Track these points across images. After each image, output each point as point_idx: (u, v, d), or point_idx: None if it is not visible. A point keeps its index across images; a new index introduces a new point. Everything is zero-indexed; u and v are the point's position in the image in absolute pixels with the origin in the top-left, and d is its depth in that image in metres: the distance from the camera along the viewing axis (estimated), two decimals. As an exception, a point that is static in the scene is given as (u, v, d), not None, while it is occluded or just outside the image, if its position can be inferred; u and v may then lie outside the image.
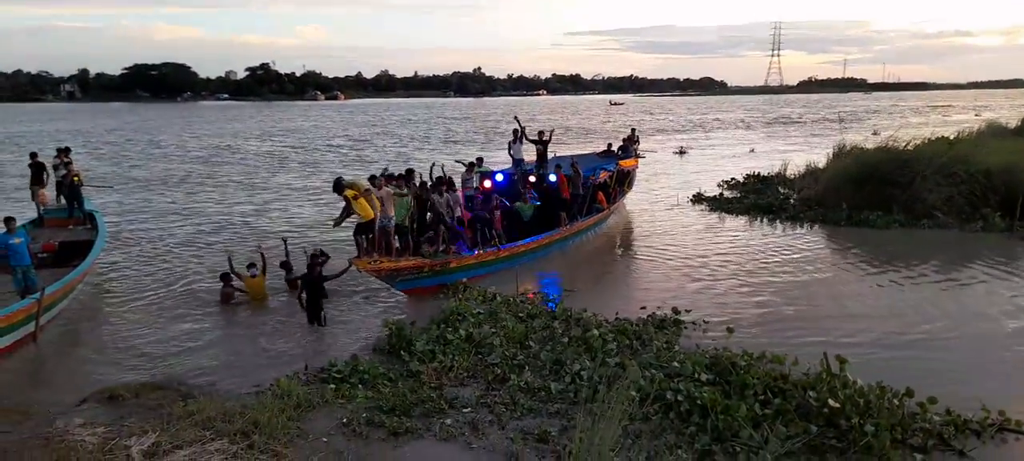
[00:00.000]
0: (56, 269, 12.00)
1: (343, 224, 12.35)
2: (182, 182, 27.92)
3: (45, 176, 16.24)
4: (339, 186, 11.84)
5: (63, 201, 15.72)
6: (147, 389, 8.09)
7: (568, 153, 21.31)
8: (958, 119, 60.50)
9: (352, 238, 12.45)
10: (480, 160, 17.17)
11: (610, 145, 21.97)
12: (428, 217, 13.51)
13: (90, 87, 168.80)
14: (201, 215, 20.25)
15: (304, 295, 10.55)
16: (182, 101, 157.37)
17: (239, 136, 54.99)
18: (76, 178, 15.47)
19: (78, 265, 11.89)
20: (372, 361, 8.84)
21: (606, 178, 17.99)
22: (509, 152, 18.06)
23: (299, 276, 11.02)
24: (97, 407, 7.65)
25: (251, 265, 12.06)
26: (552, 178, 15.74)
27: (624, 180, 19.91)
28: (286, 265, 12.83)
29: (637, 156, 21.89)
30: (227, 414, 7.03)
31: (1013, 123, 33.31)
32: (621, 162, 19.52)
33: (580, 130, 58.65)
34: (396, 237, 12.53)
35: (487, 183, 15.17)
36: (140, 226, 18.53)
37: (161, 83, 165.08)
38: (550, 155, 17.81)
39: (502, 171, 16.92)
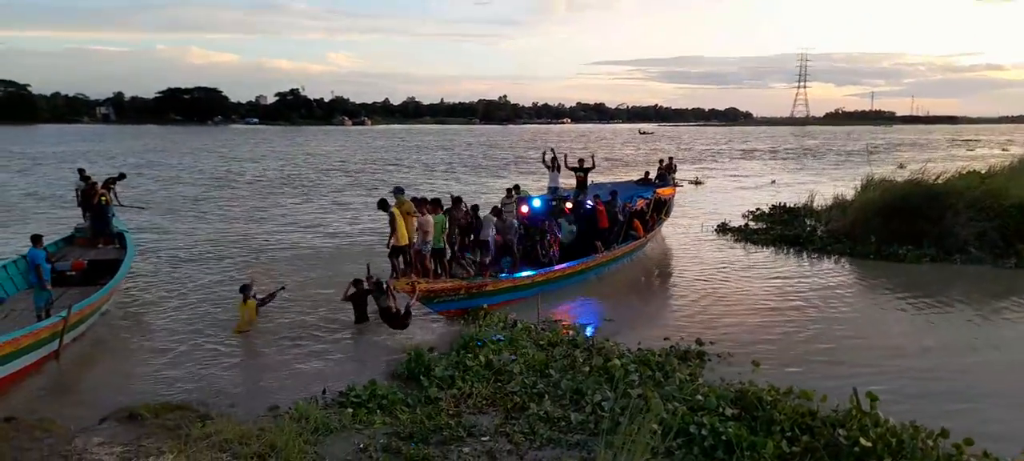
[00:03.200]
0: (85, 287, 12.15)
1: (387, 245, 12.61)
2: (203, 203, 28.28)
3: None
4: (385, 204, 12.17)
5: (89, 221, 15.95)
6: (166, 409, 8.08)
7: (603, 180, 21.37)
8: (982, 154, 59.58)
9: (388, 260, 12.62)
10: (518, 187, 17.29)
11: (647, 173, 21.93)
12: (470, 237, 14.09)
13: (125, 110, 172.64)
14: (226, 237, 20.44)
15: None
16: (213, 124, 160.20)
17: (262, 159, 55.74)
18: (103, 199, 15.71)
19: (106, 284, 12.02)
20: (391, 386, 8.76)
21: (643, 206, 17.95)
22: (550, 177, 18.05)
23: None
24: (117, 426, 7.64)
25: (246, 288, 11.87)
26: (589, 204, 15.82)
27: (661, 208, 19.85)
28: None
29: (675, 185, 21.84)
30: (244, 436, 6.97)
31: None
32: (659, 190, 19.49)
33: (615, 160, 58.37)
34: (433, 260, 12.76)
35: (524, 208, 15.36)
36: (167, 247, 18.73)
37: (193, 107, 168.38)
38: (589, 183, 17.99)
39: (540, 197, 17.00)
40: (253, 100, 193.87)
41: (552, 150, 18.35)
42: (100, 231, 15.54)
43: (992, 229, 16.70)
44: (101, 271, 13.06)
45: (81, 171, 17.45)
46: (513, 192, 16.33)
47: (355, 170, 46.45)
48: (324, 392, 8.69)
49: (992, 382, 9.33)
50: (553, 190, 17.73)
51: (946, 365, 9.96)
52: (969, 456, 6.66)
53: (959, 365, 9.97)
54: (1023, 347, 10.73)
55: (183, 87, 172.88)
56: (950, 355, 10.40)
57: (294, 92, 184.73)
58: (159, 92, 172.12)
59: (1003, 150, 63.30)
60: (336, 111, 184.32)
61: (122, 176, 17.81)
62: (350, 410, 7.94)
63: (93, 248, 15.03)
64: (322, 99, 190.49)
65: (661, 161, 23.44)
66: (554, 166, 17.97)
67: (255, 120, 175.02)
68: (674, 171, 22.77)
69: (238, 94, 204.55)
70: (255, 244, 19.28)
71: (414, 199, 13.13)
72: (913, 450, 6.54)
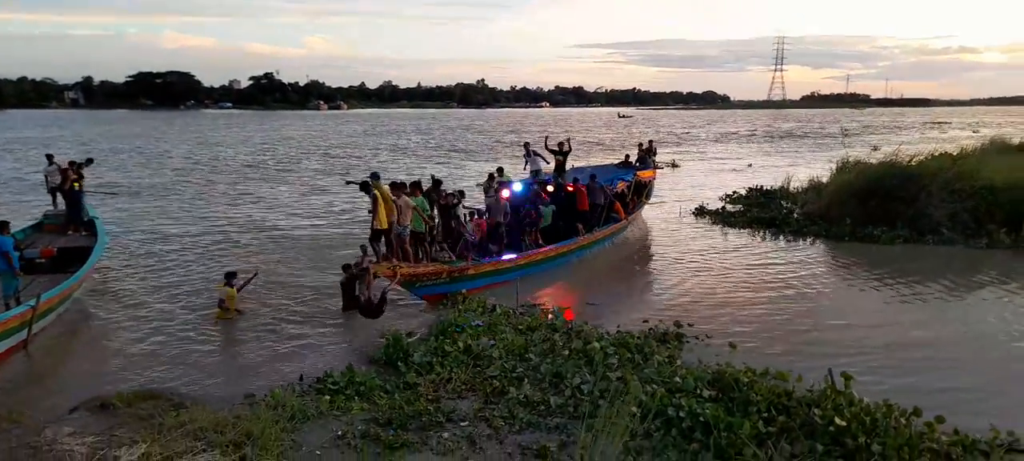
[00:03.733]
0: (54, 275, 11.89)
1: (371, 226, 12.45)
2: (174, 188, 27.84)
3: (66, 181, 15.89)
4: (367, 186, 12.12)
5: (62, 207, 15.62)
6: (139, 398, 7.95)
7: (584, 164, 21.39)
8: (954, 135, 60.53)
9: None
10: (500, 170, 17.32)
11: (627, 156, 21.99)
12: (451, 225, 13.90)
13: (94, 94, 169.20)
14: (198, 223, 20.14)
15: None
16: (185, 109, 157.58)
17: (234, 144, 54.98)
18: (76, 184, 15.36)
19: (76, 271, 11.77)
20: (368, 372, 8.70)
21: (623, 189, 18.02)
22: (527, 165, 18.41)
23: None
24: (88, 416, 7.52)
25: (231, 275, 11.75)
26: (569, 189, 15.85)
27: (642, 191, 19.91)
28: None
29: (655, 167, 21.91)
30: (219, 424, 6.88)
31: (1016, 139, 33.27)
32: (639, 173, 19.56)
33: (594, 143, 58.34)
34: (413, 243, 12.67)
35: (505, 193, 15.31)
36: (137, 233, 18.40)
37: (165, 91, 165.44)
38: (569, 167, 18.15)
39: (521, 181, 16.98)
40: (227, 84, 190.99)
41: (526, 145, 18.70)
42: (74, 218, 15.21)
43: (964, 210, 16.96)
44: (71, 258, 12.78)
45: (49, 156, 17.06)
46: (495, 175, 16.34)
47: (328, 154, 46.01)
48: (301, 379, 8.61)
49: (963, 361, 9.48)
50: (535, 173, 17.84)
51: (919, 344, 10.10)
52: (940, 433, 6.78)
53: (931, 344, 10.12)
54: (993, 327, 10.91)
55: (155, 71, 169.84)
56: (923, 335, 10.55)
57: (269, 76, 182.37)
58: (130, 76, 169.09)
59: (974, 132, 64.34)
60: (311, 95, 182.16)
61: (90, 160, 17.43)
62: (327, 397, 7.88)
63: (63, 235, 14.71)
64: (297, 83, 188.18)
65: (641, 144, 23.49)
66: (533, 151, 18.22)
67: (228, 105, 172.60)
68: (654, 154, 22.81)
69: (212, 78, 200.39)
70: (227, 230, 19.01)
71: (392, 184, 12.99)
72: (886, 428, 6.65)
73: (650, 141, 24.32)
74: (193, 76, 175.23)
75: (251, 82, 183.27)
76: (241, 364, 9.54)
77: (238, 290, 11.61)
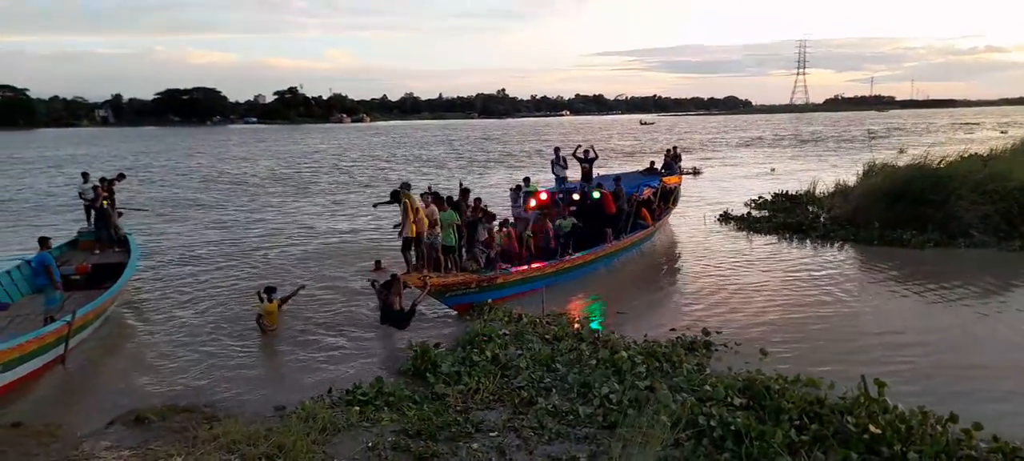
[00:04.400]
0: (89, 291, 12.14)
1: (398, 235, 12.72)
2: (203, 204, 28.27)
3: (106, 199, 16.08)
4: (397, 195, 12.32)
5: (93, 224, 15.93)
6: (173, 411, 8.08)
7: (607, 172, 21.52)
8: (982, 136, 59.38)
9: (400, 253, 12.71)
10: (527, 180, 17.53)
11: (652, 163, 21.99)
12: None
13: (123, 112, 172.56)
14: (228, 237, 20.43)
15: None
16: (212, 125, 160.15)
17: (260, 158, 55.68)
18: (105, 202, 15.67)
19: (110, 287, 12.01)
20: (397, 383, 8.75)
21: (649, 195, 18.02)
22: (553, 171, 18.66)
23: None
24: (124, 429, 7.65)
25: (271, 289, 11.90)
26: (595, 195, 15.96)
27: (669, 197, 19.87)
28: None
29: (681, 173, 21.91)
30: (252, 437, 6.96)
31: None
32: (665, 179, 19.56)
33: (617, 151, 58.19)
34: (444, 254, 12.86)
35: (532, 203, 15.51)
36: (169, 248, 18.72)
37: (192, 107, 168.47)
38: (595, 174, 18.32)
39: (547, 189, 17.18)
40: (252, 99, 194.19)
41: (556, 150, 18.93)
42: (101, 235, 15.50)
43: (995, 212, 16.63)
44: (106, 275, 13.05)
45: (85, 174, 17.42)
46: (522, 185, 16.53)
47: (352, 167, 46.44)
48: (330, 391, 8.67)
49: (1000, 366, 9.29)
50: (560, 181, 18.06)
51: (953, 349, 9.93)
52: (978, 441, 6.64)
53: (966, 349, 9.94)
54: (1029, 330, 10.68)
55: (181, 88, 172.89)
56: (957, 339, 10.36)
57: (292, 90, 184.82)
58: (157, 93, 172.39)
59: (1002, 133, 63.12)
60: (334, 108, 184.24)
61: (122, 176, 17.77)
62: (357, 408, 7.93)
63: (97, 252, 15.01)
64: (320, 97, 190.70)
65: (668, 151, 23.50)
66: (560, 159, 18.45)
67: (254, 119, 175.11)
68: (680, 160, 22.86)
69: (237, 94, 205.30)
70: (255, 243, 19.27)
71: (428, 194, 13.21)
72: (923, 436, 6.53)
73: (675, 147, 24.29)
74: (219, 92, 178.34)
75: (275, 97, 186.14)
76: (271, 376, 9.66)
77: (281, 304, 11.65)
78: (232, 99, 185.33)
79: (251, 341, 11.07)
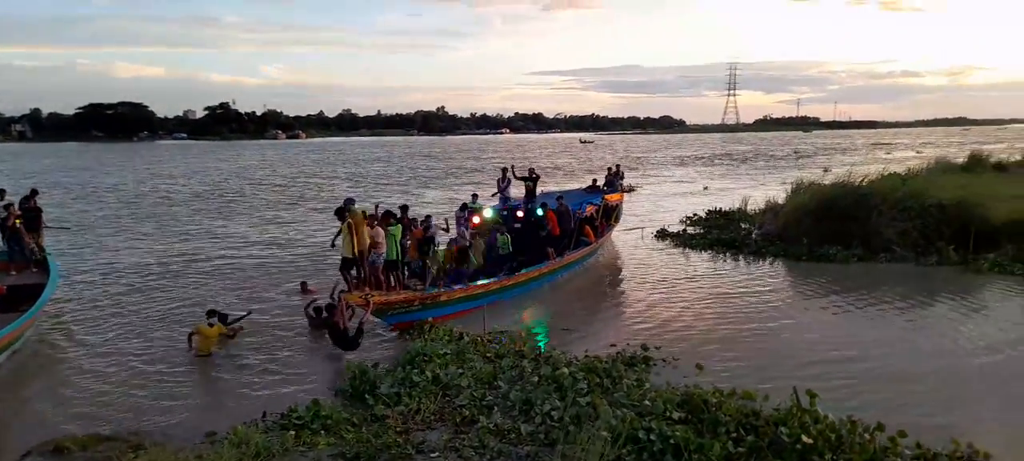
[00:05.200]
0: (4, 314, 11.42)
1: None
2: (125, 222, 27.14)
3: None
4: (342, 212, 12.19)
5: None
6: (95, 441, 7.66)
7: (550, 190, 21.69)
8: (900, 156, 62.60)
9: (338, 271, 12.61)
10: (475, 197, 17.50)
11: (595, 181, 22.30)
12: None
13: (43, 127, 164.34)
14: (152, 257, 19.63)
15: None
16: (138, 141, 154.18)
17: (189, 175, 53.94)
18: (17, 221, 14.82)
19: (27, 310, 11.34)
20: (335, 405, 8.53)
21: (592, 212, 18.20)
22: (499, 190, 18.74)
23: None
24: (40, 461, 7.20)
25: (220, 316, 11.54)
26: (539, 212, 16.07)
27: (611, 214, 20.11)
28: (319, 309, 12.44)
29: (623, 190, 22.24)
30: (181, 466, 6.66)
31: (959, 159, 34.60)
32: (607, 196, 19.81)
33: (558, 168, 58.70)
34: (386, 272, 12.81)
35: (476, 219, 15.52)
36: (91, 270, 17.85)
37: (117, 123, 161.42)
38: (538, 192, 18.48)
39: (492, 207, 17.23)
40: (181, 115, 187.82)
41: (511, 167, 19.08)
42: (14, 255, 14.63)
43: (914, 229, 17.51)
44: (22, 297, 12.31)
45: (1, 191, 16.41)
46: (468, 203, 16.55)
47: (286, 184, 45.46)
48: (264, 415, 8.39)
49: (921, 376, 9.73)
50: (504, 200, 18.13)
51: (879, 360, 10.35)
52: (903, 448, 6.92)
53: (890, 359, 10.38)
54: (948, 341, 11.24)
55: (106, 102, 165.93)
56: (882, 350, 10.81)
57: (225, 106, 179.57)
58: (80, 108, 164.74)
59: (917, 153, 66.70)
60: (269, 124, 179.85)
61: (34, 192, 16.77)
62: (292, 432, 7.69)
63: (13, 273, 14.16)
64: (254, 112, 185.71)
65: (610, 168, 23.87)
66: (506, 177, 18.52)
67: (184, 135, 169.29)
68: (622, 178, 23.27)
69: (166, 109, 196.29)
70: (181, 263, 18.55)
71: (380, 214, 13.24)
72: (852, 444, 6.76)
73: (618, 165, 24.74)
74: (146, 107, 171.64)
75: (207, 112, 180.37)
76: (201, 401, 9.27)
77: (226, 332, 11.31)
78: (161, 114, 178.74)
79: (179, 365, 10.61)
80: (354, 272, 12.43)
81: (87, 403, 9.12)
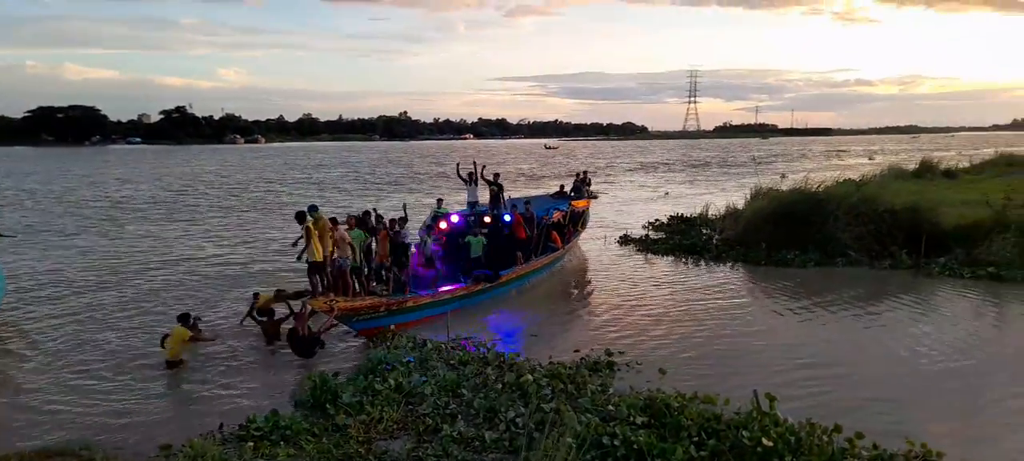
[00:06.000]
0: None
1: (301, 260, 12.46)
2: (76, 231, 26.35)
3: None
4: (302, 216, 12.04)
5: None
6: (44, 456, 7.38)
7: (517, 195, 21.66)
8: (854, 163, 64.25)
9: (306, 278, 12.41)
10: (440, 201, 17.45)
11: (562, 186, 22.32)
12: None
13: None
14: (103, 265, 19.06)
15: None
16: (91, 145, 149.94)
17: (140, 181, 52.67)
18: None
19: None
20: (294, 415, 8.36)
21: (559, 218, 18.24)
22: (466, 182, 18.42)
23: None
24: (-17, 479, 6.91)
25: (189, 319, 11.24)
26: (507, 218, 16.03)
27: (578, 220, 20.18)
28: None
29: (590, 196, 22.33)
30: (133, 481, 6.45)
31: (910, 166, 35.69)
32: (574, 202, 19.87)
33: (524, 174, 58.80)
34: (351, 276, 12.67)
35: (442, 225, 15.44)
36: (39, 278, 17.26)
37: (68, 126, 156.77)
38: (505, 197, 18.29)
39: (458, 212, 17.11)
40: (136, 119, 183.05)
41: (473, 164, 18.45)
42: None
43: (868, 233, 17.95)
44: None
45: None
46: (435, 207, 16.45)
47: (243, 189, 44.68)
48: (221, 426, 8.18)
49: (876, 378, 9.94)
50: (471, 205, 18.01)
51: (835, 362, 10.55)
52: (860, 449, 7.06)
53: (847, 362, 10.59)
54: (901, 344, 11.51)
55: (57, 105, 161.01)
56: (838, 353, 11.03)
57: (181, 110, 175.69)
58: (28, 111, 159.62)
59: (869, 159, 68.57)
60: (227, 129, 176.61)
61: None
62: (251, 443, 7.52)
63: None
64: (212, 117, 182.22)
65: (577, 174, 23.98)
66: (471, 180, 18.18)
67: (138, 139, 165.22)
68: (589, 184, 23.39)
69: (120, 113, 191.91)
70: (134, 271, 18.03)
71: (348, 218, 13.22)
72: (810, 447, 6.87)
73: (585, 171, 24.85)
74: (99, 110, 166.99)
75: (162, 116, 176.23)
76: (156, 413, 9.00)
77: (194, 338, 11.06)
78: (114, 118, 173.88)
79: (131, 376, 10.29)
80: (319, 278, 12.27)
81: (35, 417, 8.80)
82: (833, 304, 13.98)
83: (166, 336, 10.85)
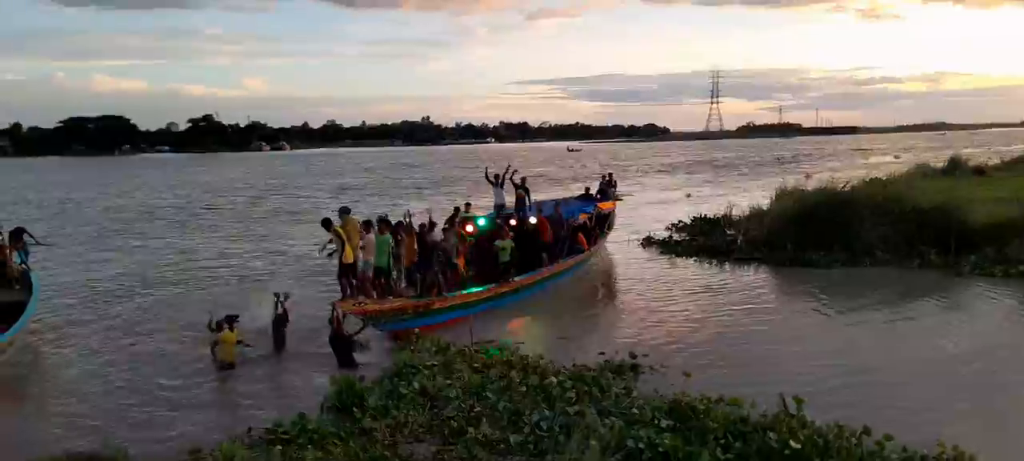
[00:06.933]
0: None
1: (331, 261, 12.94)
2: (108, 237, 26.86)
3: None
4: (327, 223, 12.36)
5: None
6: (75, 460, 7.53)
7: (542, 198, 21.73)
8: (880, 162, 63.23)
9: (337, 280, 12.69)
10: (467, 205, 17.48)
11: (587, 188, 22.34)
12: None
13: (23, 142, 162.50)
14: (138, 271, 19.42)
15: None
16: (120, 154, 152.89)
17: (170, 189, 53.54)
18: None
19: (8, 329, 11.17)
20: (321, 419, 8.44)
21: (585, 220, 18.23)
22: (494, 184, 18.61)
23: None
24: (20, 482, 7.08)
25: (231, 318, 11.32)
26: (532, 221, 16.05)
27: (604, 222, 20.17)
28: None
29: (616, 198, 22.32)
30: (164, 484, 6.57)
31: (937, 164, 35.09)
32: (600, 204, 19.85)
33: (548, 178, 58.71)
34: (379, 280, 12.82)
35: (469, 227, 15.53)
36: (75, 285, 17.62)
37: (99, 136, 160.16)
38: (529, 200, 18.38)
39: (485, 216, 17.21)
40: (164, 127, 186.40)
41: (507, 167, 18.69)
42: None
43: (895, 233, 17.69)
44: (3, 314, 12.12)
45: None
46: (462, 210, 16.57)
47: (271, 195, 45.22)
48: (249, 430, 8.28)
49: (905, 379, 9.80)
50: (499, 208, 18.08)
51: (863, 364, 10.41)
52: (890, 452, 6.95)
53: (875, 363, 10.44)
54: (931, 345, 11.34)
55: (87, 116, 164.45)
56: (866, 354, 10.89)
57: (207, 118, 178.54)
58: (60, 121, 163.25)
59: (896, 158, 67.48)
60: (253, 136, 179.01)
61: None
62: (279, 447, 7.59)
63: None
64: (238, 125, 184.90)
65: (603, 176, 23.99)
66: (498, 181, 18.28)
67: (166, 148, 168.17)
68: (615, 186, 23.37)
69: (148, 122, 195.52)
70: (167, 277, 18.36)
71: (369, 221, 13.32)
72: (839, 449, 6.78)
73: (611, 173, 24.84)
74: (128, 120, 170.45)
75: (189, 124, 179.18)
76: (185, 417, 9.15)
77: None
78: (143, 127, 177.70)
79: (160, 381, 10.47)
80: (346, 281, 12.48)
81: (66, 421, 9.00)
82: (860, 305, 13.80)
83: (216, 343, 10.94)
